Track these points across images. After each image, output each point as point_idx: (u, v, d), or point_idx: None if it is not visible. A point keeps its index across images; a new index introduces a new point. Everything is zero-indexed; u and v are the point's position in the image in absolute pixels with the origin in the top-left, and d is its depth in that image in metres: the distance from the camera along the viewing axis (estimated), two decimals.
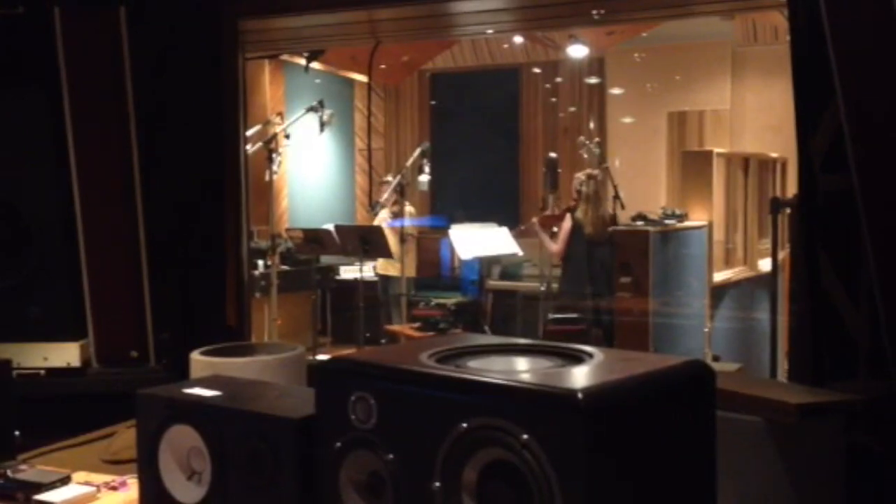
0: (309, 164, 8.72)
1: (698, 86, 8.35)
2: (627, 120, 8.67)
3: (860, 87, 2.06)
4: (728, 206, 6.28)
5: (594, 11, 3.69)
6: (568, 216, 6.39)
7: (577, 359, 1.34)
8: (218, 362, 2.21)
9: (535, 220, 6.85)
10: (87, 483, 1.81)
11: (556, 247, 6.48)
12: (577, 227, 6.27)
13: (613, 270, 6.00)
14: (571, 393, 1.12)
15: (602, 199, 6.34)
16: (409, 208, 7.53)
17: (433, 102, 9.87)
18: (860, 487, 2.01)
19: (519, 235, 7.00)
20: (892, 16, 1.97)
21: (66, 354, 3.20)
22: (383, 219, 7.26)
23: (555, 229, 6.55)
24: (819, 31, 2.15)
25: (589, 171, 6.54)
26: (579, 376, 1.24)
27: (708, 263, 5.94)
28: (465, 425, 1.19)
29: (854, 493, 1.93)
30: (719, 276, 6.06)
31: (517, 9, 3.87)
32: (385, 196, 7.16)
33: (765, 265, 6.24)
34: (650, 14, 4.38)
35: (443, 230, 7.77)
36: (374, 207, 7.22)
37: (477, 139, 9.41)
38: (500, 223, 7.21)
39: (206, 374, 1.97)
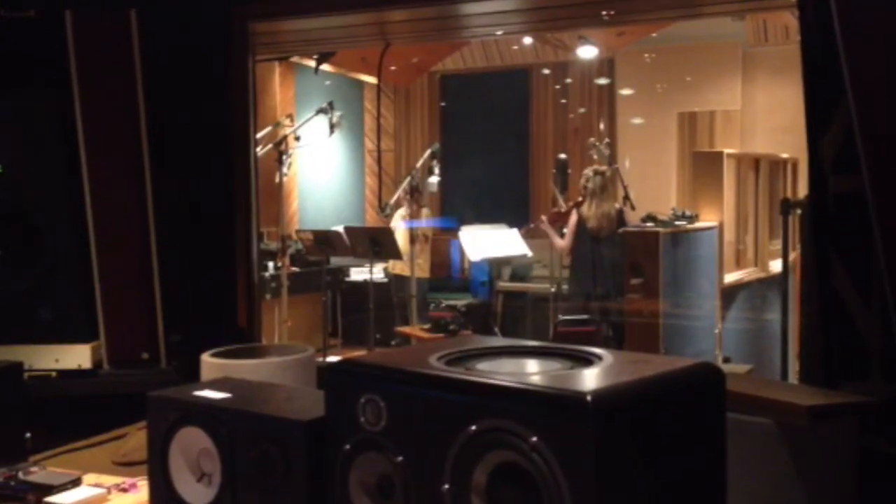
0: (319, 165, 8.73)
1: (709, 86, 8.33)
2: (637, 121, 8.66)
3: (871, 87, 2.05)
4: (739, 207, 6.26)
5: (604, 12, 3.68)
6: (574, 211, 6.42)
7: (587, 361, 1.34)
8: (228, 364, 2.22)
9: (543, 217, 6.86)
10: (97, 485, 1.82)
11: (562, 242, 6.51)
12: (581, 223, 6.30)
13: (619, 267, 6.01)
14: (581, 395, 1.12)
15: (608, 195, 6.34)
16: (424, 209, 7.55)
17: (443, 104, 9.87)
18: (872, 490, 2.00)
19: (527, 234, 7.01)
20: None
21: (77, 356, 3.21)
22: (402, 217, 7.27)
23: (564, 230, 6.57)
24: (830, 31, 2.14)
25: (596, 167, 6.56)
26: (589, 379, 1.24)
27: (719, 264, 5.92)
28: (474, 428, 1.19)
29: (866, 496, 1.92)
30: (730, 278, 6.04)
31: (527, 10, 3.87)
32: (395, 197, 7.17)
33: (776, 266, 6.22)
34: (660, 15, 4.37)
35: (453, 231, 7.78)
36: (384, 209, 7.23)
37: (487, 140, 9.41)
38: (510, 224, 7.21)
39: (217, 375, 1.97)
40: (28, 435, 2.13)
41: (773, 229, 6.43)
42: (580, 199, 6.45)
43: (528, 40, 8.65)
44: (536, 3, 3.75)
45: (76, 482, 1.80)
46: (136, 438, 2.15)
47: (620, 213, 6.31)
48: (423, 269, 7.56)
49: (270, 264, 6.81)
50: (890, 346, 2.13)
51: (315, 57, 6.74)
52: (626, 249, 5.89)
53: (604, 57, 8.55)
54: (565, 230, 6.53)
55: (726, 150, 6.27)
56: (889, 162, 2.02)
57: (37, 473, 1.82)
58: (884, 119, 2.05)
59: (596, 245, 6.24)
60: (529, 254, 7.14)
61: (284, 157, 6.24)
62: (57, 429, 2.26)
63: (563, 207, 6.79)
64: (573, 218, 6.40)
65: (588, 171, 6.47)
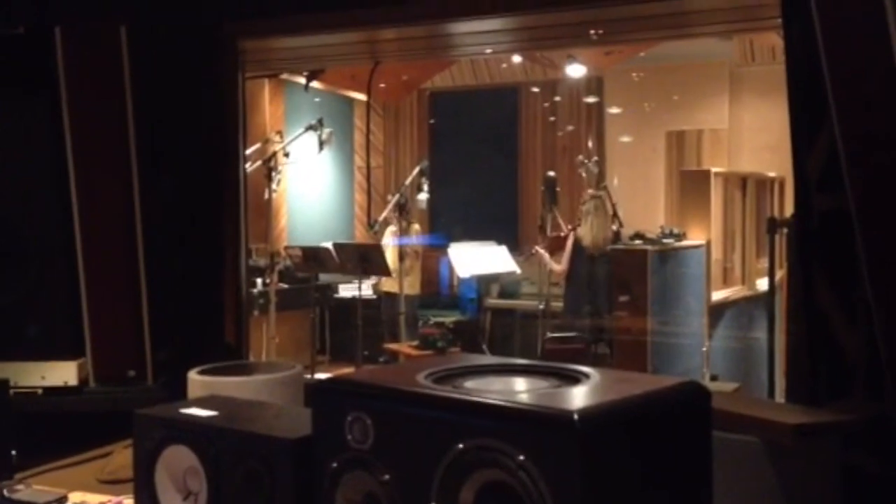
0: (308, 182, 8.74)
1: (696, 105, 8.38)
2: (626, 139, 8.70)
3: (854, 107, 2.07)
4: (726, 226, 6.30)
5: (592, 31, 3.71)
6: (571, 235, 6.50)
7: (574, 379, 1.34)
8: (215, 381, 2.21)
9: (537, 248, 6.93)
10: (83, 503, 1.81)
11: (559, 267, 6.58)
12: (577, 244, 6.37)
13: (612, 285, 6.06)
14: (567, 414, 1.12)
15: (602, 215, 6.40)
16: (415, 226, 7.56)
17: (432, 121, 9.90)
18: None
19: (527, 260, 7.06)
20: (886, 35, 1.98)
21: (63, 373, 3.20)
22: (393, 232, 7.29)
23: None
24: (814, 51, 2.16)
25: (592, 191, 6.68)
26: (575, 397, 1.24)
27: (706, 282, 5.95)
28: (461, 446, 1.19)
29: None
30: (717, 296, 6.07)
31: (516, 29, 3.89)
32: (384, 214, 7.18)
33: (763, 284, 6.25)
34: (648, 35, 4.40)
35: (442, 248, 7.79)
36: (372, 226, 7.23)
37: (476, 158, 9.44)
38: (499, 242, 7.23)
39: (204, 393, 1.97)
40: (13, 452, 2.12)
41: (761, 247, 6.46)
42: (578, 222, 6.56)
43: (517, 59, 8.70)
44: (525, 23, 3.77)
45: (62, 500, 1.79)
46: (122, 456, 2.14)
47: (617, 234, 6.36)
48: (412, 287, 7.56)
49: (259, 280, 6.80)
50: (874, 364, 2.14)
51: (305, 74, 6.76)
52: (614, 267, 5.93)
53: (592, 75, 8.60)
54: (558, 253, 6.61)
55: (714, 169, 6.32)
56: (873, 180, 2.04)
57: (22, 491, 1.81)
58: (867, 137, 2.07)
59: (592, 265, 6.30)
60: (518, 271, 7.16)
61: (273, 173, 6.25)
62: (42, 446, 2.24)
63: (564, 231, 6.87)
64: (570, 241, 6.49)
65: (586, 195, 6.61)
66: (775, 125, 7.21)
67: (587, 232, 6.36)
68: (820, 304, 2.34)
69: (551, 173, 7.72)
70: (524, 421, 1.15)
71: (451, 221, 9.26)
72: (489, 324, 7.86)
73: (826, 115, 2.17)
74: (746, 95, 8.16)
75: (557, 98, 9.13)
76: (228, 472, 1.46)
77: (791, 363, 2.68)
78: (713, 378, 5.57)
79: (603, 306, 6.21)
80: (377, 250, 6.61)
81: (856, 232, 2.06)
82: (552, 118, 9.19)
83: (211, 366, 2.32)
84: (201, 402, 1.66)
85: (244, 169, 3.94)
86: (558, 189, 7.57)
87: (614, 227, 6.39)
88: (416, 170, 7.37)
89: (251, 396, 1.92)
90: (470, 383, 1.35)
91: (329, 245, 6.80)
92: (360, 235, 9.33)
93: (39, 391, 3.17)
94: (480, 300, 7.73)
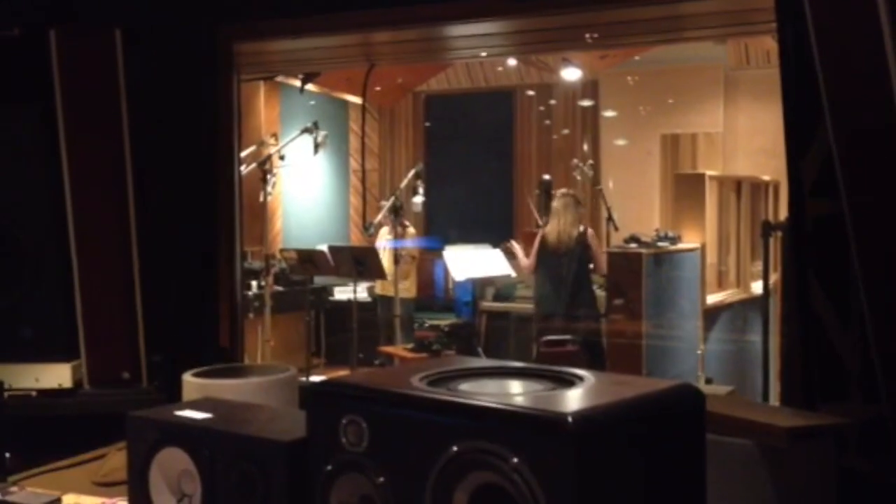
0: (303, 185, 8.74)
1: (691, 108, 8.40)
2: (621, 142, 8.71)
3: (849, 111, 2.08)
4: (721, 229, 6.31)
5: (587, 35, 3.72)
6: (540, 232, 6.55)
7: (569, 382, 1.34)
8: (210, 384, 2.21)
9: (512, 241, 6.99)
10: None
11: (526, 261, 6.62)
12: (543, 241, 6.41)
13: (581, 283, 6.11)
14: (561, 416, 1.13)
15: (570, 214, 6.39)
16: (411, 230, 7.55)
17: (427, 124, 9.90)
18: None
19: (506, 252, 7.07)
20: (880, 40, 1.99)
21: (57, 375, 3.19)
22: (389, 233, 7.29)
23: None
24: (808, 55, 2.16)
25: (564, 189, 6.70)
26: (569, 400, 1.24)
27: (701, 286, 5.96)
28: (455, 448, 1.19)
29: None
30: (712, 299, 6.08)
31: (511, 33, 3.90)
32: (379, 217, 7.18)
33: (757, 287, 6.26)
34: (643, 38, 4.41)
35: (437, 251, 7.79)
36: (367, 228, 7.23)
37: (471, 161, 9.44)
38: (494, 245, 7.23)
39: (198, 395, 1.96)
40: (7, 455, 2.11)
41: (755, 251, 6.47)
42: (545, 219, 6.59)
43: (512, 62, 8.71)
44: (520, 26, 3.78)
45: (56, 502, 1.79)
46: (116, 458, 2.14)
47: (583, 234, 6.34)
48: (408, 290, 7.56)
49: (254, 283, 6.80)
50: (868, 367, 2.14)
51: (300, 77, 6.76)
52: (582, 256, 5.99)
53: (587, 79, 8.61)
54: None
55: (708, 172, 6.33)
56: (866, 184, 2.05)
57: (16, 494, 1.81)
58: (861, 142, 2.07)
59: (558, 262, 6.32)
60: (513, 274, 7.16)
61: (269, 176, 6.25)
62: (37, 448, 2.24)
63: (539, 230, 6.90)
64: (538, 238, 6.54)
65: (558, 193, 6.61)
66: (770, 129, 7.23)
67: (553, 229, 6.39)
68: (814, 307, 2.34)
69: (547, 177, 7.73)
70: (518, 423, 1.15)
71: (446, 224, 9.26)
72: (484, 327, 7.86)
73: (821, 118, 2.17)
74: (741, 99, 8.18)
75: (553, 101, 9.14)
76: (223, 475, 1.46)
77: (785, 366, 2.68)
78: (708, 381, 5.57)
79: (569, 305, 6.24)
80: (372, 253, 6.61)
81: (849, 235, 2.06)
82: (547, 121, 9.20)
83: (205, 368, 2.32)
84: (196, 405, 1.66)
85: (239, 171, 3.95)
86: (553, 192, 7.57)
87: (581, 228, 6.38)
88: (412, 172, 7.36)
89: (246, 399, 1.92)
90: (465, 386, 1.36)
91: (324, 248, 6.80)
92: (356, 238, 9.32)
93: (34, 393, 3.16)
94: (476, 303, 7.73)
